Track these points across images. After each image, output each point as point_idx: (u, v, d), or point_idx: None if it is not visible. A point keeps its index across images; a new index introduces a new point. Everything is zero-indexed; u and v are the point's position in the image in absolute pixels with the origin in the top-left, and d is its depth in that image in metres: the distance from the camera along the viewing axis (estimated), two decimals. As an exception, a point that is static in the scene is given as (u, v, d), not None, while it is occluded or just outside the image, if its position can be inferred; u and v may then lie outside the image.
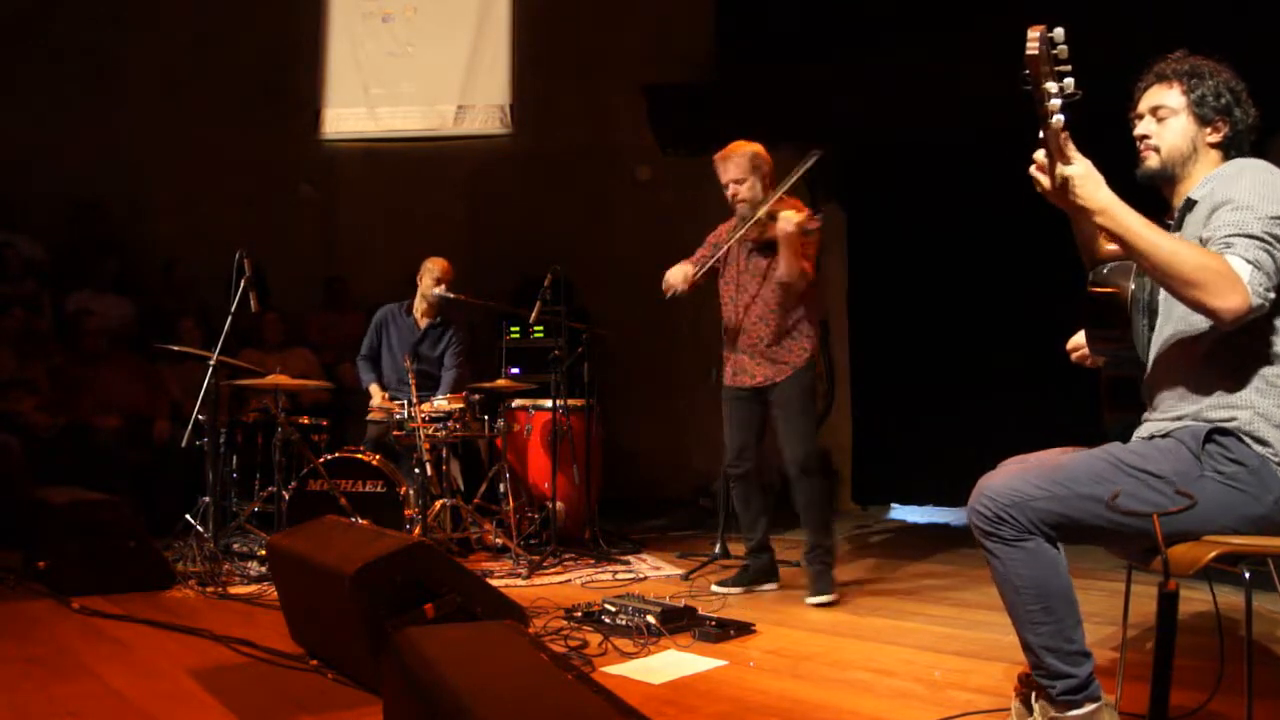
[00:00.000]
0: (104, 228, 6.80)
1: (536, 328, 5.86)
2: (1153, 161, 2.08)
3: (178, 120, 7.02)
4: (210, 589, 3.80)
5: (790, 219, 3.62)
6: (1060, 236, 2.47)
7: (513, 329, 6.42)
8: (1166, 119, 2.06)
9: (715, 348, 4.10)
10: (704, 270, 3.86)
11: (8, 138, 6.43)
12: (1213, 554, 1.81)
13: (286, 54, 7.42)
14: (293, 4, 7.49)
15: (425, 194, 7.36)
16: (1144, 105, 2.11)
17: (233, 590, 3.81)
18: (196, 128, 7.03)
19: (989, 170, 3.63)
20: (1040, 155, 1.86)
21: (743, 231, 3.79)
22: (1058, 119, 1.77)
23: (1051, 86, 1.75)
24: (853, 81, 5.87)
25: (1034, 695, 2.04)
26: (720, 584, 3.99)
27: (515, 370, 6.09)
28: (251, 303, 4.33)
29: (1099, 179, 1.85)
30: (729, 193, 3.87)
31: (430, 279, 5.14)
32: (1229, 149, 2.05)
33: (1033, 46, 1.74)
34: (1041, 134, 1.81)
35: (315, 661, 2.78)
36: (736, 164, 3.83)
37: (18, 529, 4.19)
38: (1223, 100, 2.03)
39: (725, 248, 3.88)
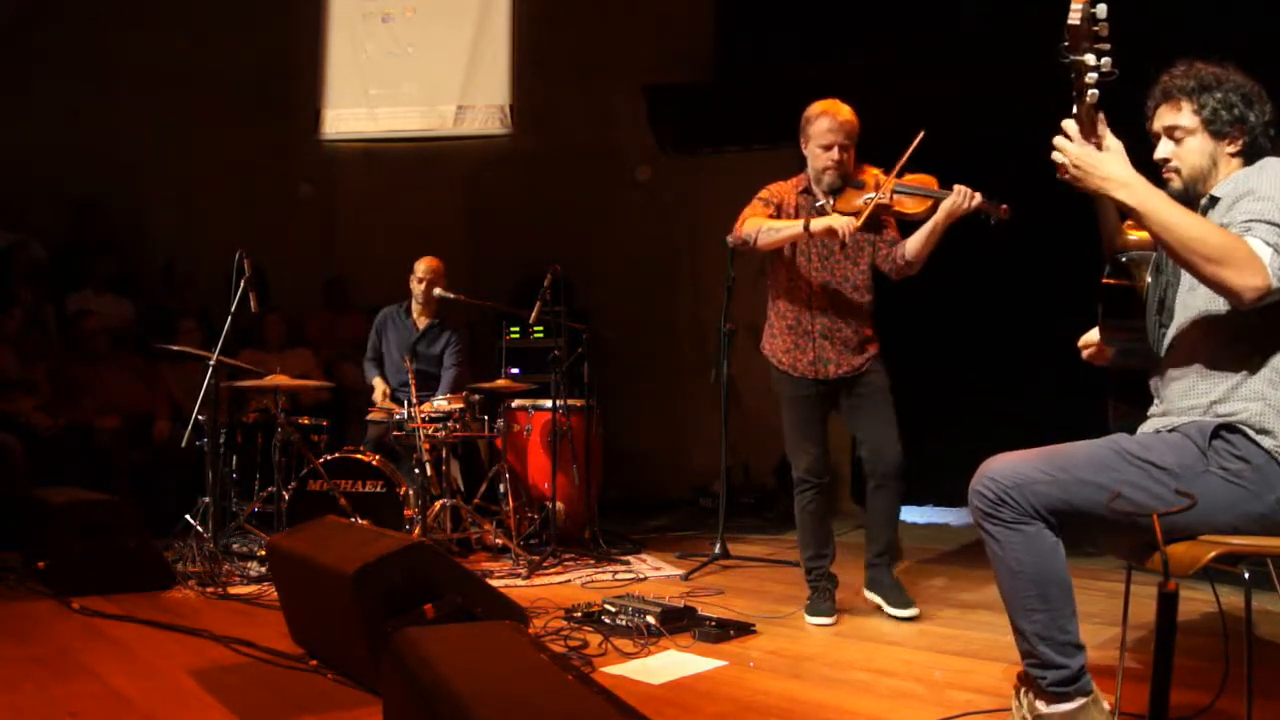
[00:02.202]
0: (104, 228, 6.80)
1: (536, 328, 5.85)
2: (1176, 184, 2.09)
3: (178, 121, 7.02)
4: (210, 589, 3.80)
5: (973, 193, 3.23)
6: (1064, 237, 2.47)
7: (513, 329, 6.42)
8: (1183, 140, 2.07)
9: (715, 347, 4.06)
10: (861, 221, 3.26)
11: (8, 138, 6.43)
12: (1212, 554, 1.81)
13: (286, 54, 7.42)
14: (293, 4, 7.48)
15: (425, 194, 7.36)
16: (1158, 125, 2.11)
17: (233, 590, 3.81)
18: (196, 128, 7.03)
19: (990, 170, 3.62)
20: (1069, 124, 1.87)
21: (874, 205, 3.31)
22: (1093, 93, 1.78)
23: (1090, 59, 1.76)
24: (852, 81, 5.86)
25: (1024, 689, 2.03)
26: (814, 614, 3.43)
27: (515, 370, 6.09)
28: (251, 303, 4.32)
29: (1124, 157, 1.88)
30: (832, 155, 3.38)
31: (414, 280, 5.16)
32: (1249, 155, 2.05)
33: (1075, 16, 1.76)
34: (1075, 108, 1.82)
35: (315, 661, 2.78)
36: (853, 130, 3.40)
37: (18, 529, 4.19)
38: (1235, 110, 2.03)
39: (867, 214, 3.28)
